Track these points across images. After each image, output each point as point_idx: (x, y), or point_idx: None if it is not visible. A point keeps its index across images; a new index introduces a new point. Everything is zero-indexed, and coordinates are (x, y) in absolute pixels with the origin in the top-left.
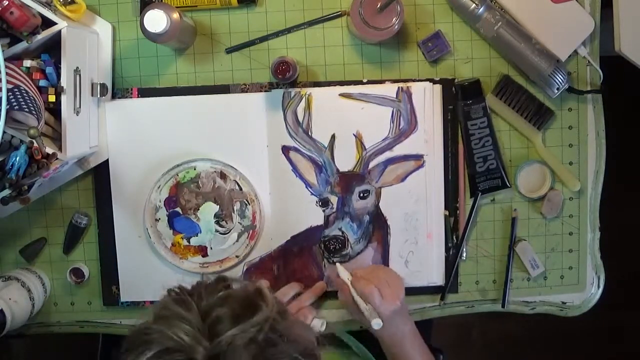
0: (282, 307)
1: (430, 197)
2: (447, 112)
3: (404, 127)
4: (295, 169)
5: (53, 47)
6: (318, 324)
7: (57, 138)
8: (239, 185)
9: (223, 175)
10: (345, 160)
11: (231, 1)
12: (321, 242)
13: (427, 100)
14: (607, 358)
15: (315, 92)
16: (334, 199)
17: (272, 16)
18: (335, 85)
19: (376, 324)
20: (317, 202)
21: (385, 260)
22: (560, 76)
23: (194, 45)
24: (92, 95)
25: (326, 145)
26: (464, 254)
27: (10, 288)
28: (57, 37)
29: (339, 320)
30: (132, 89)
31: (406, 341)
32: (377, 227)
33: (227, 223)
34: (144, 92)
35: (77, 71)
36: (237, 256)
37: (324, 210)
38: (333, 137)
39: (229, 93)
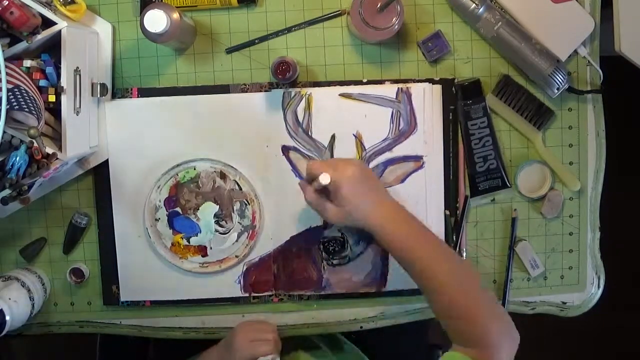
0: None
1: (430, 198)
2: (448, 112)
3: (404, 128)
4: (295, 169)
5: (53, 47)
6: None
7: (57, 138)
8: (238, 185)
9: (223, 175)
10: None
11: (231, 1)
12: (320, 243)
13: (427, 101)
14: (607, 358)
15: (315, 92)
16: None
17: (272, 16)
18: (335, 85)
19: (323, 177)
20: None
21: (384, 263)
22: (560, 76)
23: (194, 45)
24: (92, 95)
25: (326, 146)
26: (464, 254)
27: (10, 288)
28: (57, 37)
29: (334, 320)
30: (132, 89)
31: (396, 223)
32: None
33: (227, 223)
34: (144, 92)
35: (77, 71)
36: (236, 256)
37: None
38: (333, 137)
39: (229, 93)
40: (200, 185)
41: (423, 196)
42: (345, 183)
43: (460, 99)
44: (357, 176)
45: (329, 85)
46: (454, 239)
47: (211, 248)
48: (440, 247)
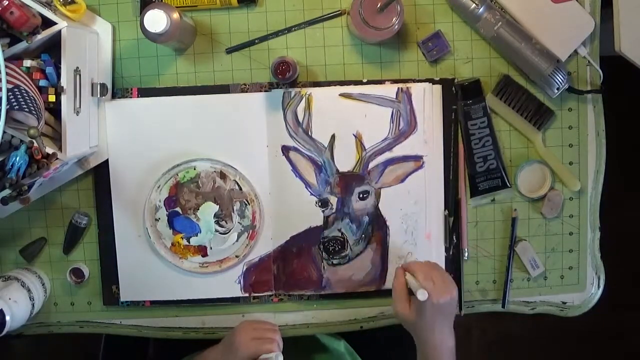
0: None
1: (430, 197)
2: (449, 112)
3: (404, 128)
4: (295, 169)
5: (53, 47)
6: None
7: (57, 138)
8: (238, 185)
9: (223, 175)
10: (345, 160)
11: (231, 1)
12: (320, 243)
13: (427, 101)
14: (607, 358)
15: (315, 92)
16: (333, 200)
17: (272, 16)
18: (335, 85)
19: (421, 294)
20: (316, 202)
21: (384, 262)
22: (560, 76)
23: (194, 45)
24: (92, 95)
25: (326, 146)
26: (466, 254)
27: (10, 288)
28: (57, 37)
29: (334, 320)
30: (132, 89)
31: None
32: (376, 228)
33: (226, 223)
34: (144, 92)
35: (77, 71)
36: (236, 256)
37: (323, 211)
38: (333, 137)
39: (229, 93)
40: (200, 185)
41: (423, 196)
42: (435, 306)
43: (460, 99)
44: (447, 304)
45: (329, 85)
46: (454, 239)
47: (211, 248)
48: None
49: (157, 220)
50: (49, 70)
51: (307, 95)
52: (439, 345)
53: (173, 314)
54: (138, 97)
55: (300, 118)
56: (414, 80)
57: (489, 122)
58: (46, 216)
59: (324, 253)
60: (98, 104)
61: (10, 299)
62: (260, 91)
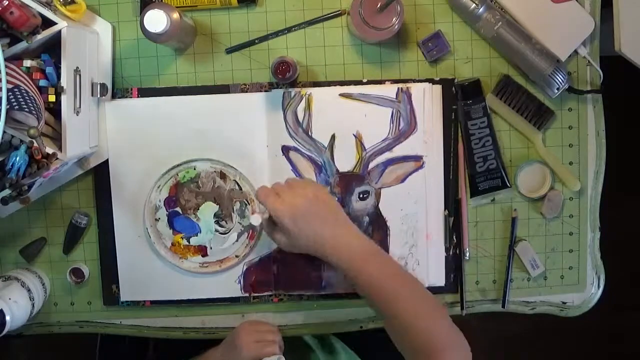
0: None
1: (430, 198)
2: (449, 112)
3: (404, 128)
4: (295, 169)
5: (53, 47)
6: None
7: (57, 138)
8: (238, 185)
9: (223, 175)
10: (345, 160)
11: (231, 1)
12: None
13: (427, 101)
14: (607, 358)
15: (315, 92)
16: None
17: (272, 16)
18: (335, 85)
19: (254, 219)
20: None
21: None
22: (560, 76)
23: (194, 45)
24: (92, 95)
25: (326, 146)
26: (467, 254)
27: (10, 288)
28: (57, 37)
29: (334, 320)
30: (132, 89)
31: (358, 259)
32: (376, 228)
33: (226, 223)
34: (144, 92)
35: (77, 71)
36: (236, 256)
37: None
38: (333, 137)
39: (229, 93)
40: (200, 185)
41: (423, 196)
42: (287, 215)
43: (460, 99)
44: (300, 207)
45: (329, 85)
46: (454, 239)
47: (211, 248)
48: (401, 274)
49: (157, 220)
50: (49, 70)
51: (307, 95)
52: (336, 245)
53: (173, 314)
54: (138, 97)
55: (300, 118)
56: (414, 80)
57: (489, 122)
58: (46, 216)
59: None
60: (98, 104)
61: (10, 299)
62: (260, 91)
